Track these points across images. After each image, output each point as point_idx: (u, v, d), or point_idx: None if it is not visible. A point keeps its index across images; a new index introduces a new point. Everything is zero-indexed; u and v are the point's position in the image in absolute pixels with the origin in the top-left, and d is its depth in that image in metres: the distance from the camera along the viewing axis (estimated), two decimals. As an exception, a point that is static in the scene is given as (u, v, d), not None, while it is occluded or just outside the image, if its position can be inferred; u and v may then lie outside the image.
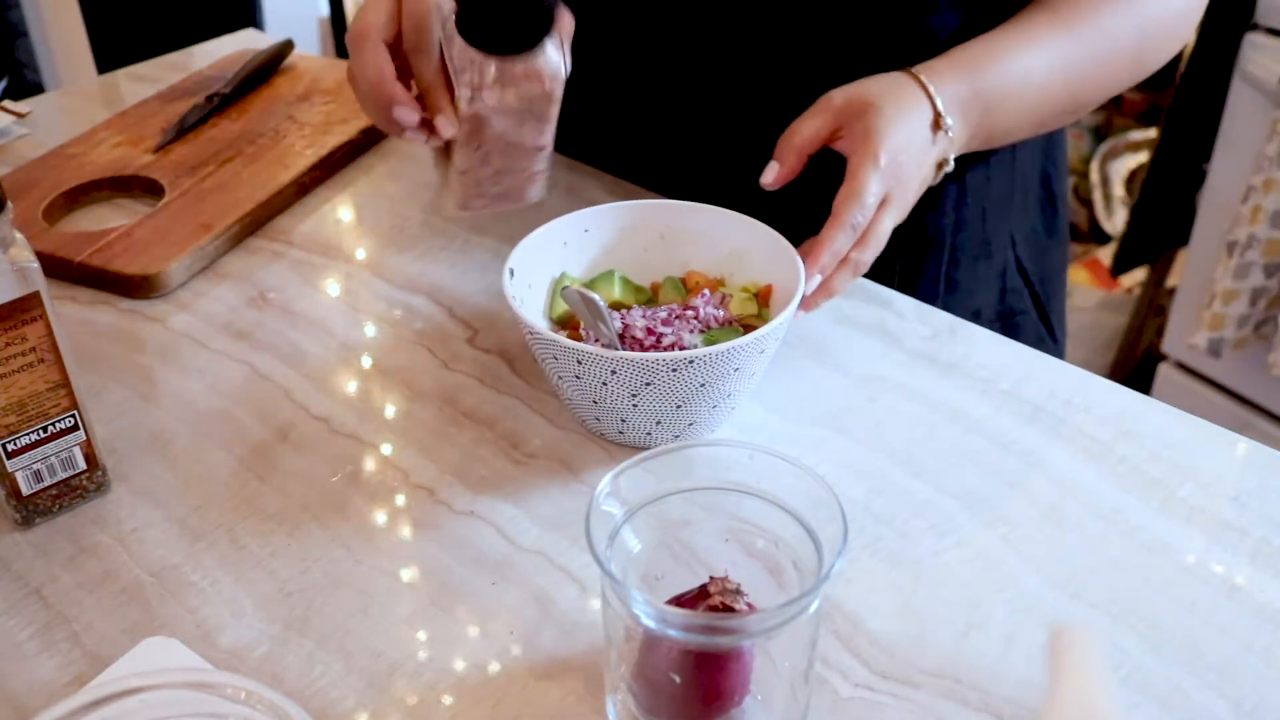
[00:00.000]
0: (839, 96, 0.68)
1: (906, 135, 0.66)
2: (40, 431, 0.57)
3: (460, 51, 0.61)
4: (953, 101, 0.68)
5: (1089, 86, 0.74)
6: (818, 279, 0.65)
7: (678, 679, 0.46)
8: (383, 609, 0.55)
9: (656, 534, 0.49)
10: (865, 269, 0.67)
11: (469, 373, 0.70)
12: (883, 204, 0.66)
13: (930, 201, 0.83)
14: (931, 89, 0.68)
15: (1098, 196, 2.31)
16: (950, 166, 0.70)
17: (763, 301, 0.67)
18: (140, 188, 0.89)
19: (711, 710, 0.47)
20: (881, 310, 0.75)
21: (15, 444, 0.57)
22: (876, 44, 0.75)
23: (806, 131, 0.68)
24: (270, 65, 1.04)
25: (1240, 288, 1.58)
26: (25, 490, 0.58)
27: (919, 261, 0.83)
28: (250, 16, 2.05)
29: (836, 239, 0.65)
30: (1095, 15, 0.72)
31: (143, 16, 1.97)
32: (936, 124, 0.68)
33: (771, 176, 0.69)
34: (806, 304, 0.65)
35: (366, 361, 0.72)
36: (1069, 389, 0.68)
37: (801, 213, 0.71)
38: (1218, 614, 0.54)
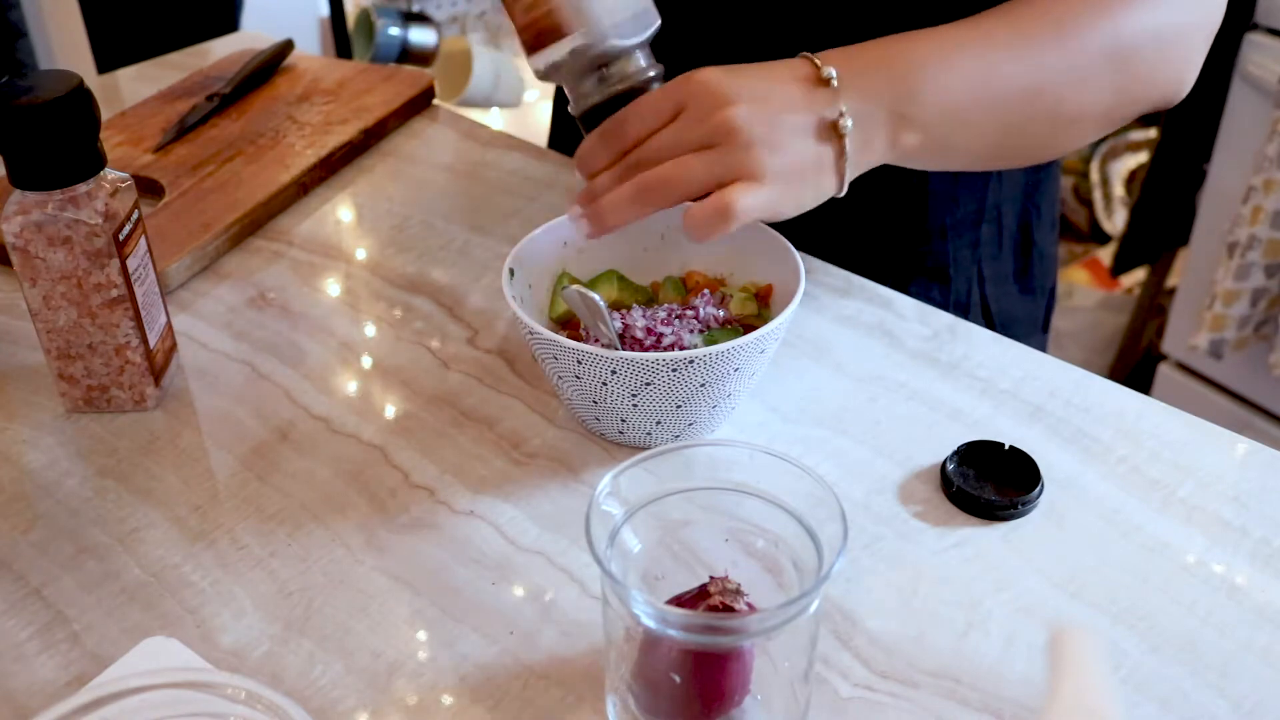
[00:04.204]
0: None
1: (744, 76, 0.60)
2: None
3: None
4: (838, 58, 0.61)
5: (1051, 79, 0.64)
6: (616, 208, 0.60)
7: (678, 679, 0.46)
8: (383, 609, 0.55)
9: (656, 534, 0.49)
10: (652, 196, 0.59)
11: (469, 373, 0.70)
12: (707, 150, 0.58)
13: (894, 201, 0.82)
14: (810, 55, 0.61)
15: (1098, 196, 2.31)
16: (847, 126, 0.59)
17: (763, 301, 0.67)
18: (140, 188, 0.89)
19: (711, 710, 0.47)
20: (881, 310, 0.75)
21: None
22: None
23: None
24: (270, 65, 1.05)
25: (1241, 288, 1.58)
26: None
27: (874, 259, 0.82)
28: (233, 19, 2.05)
29: (586, 147, 0.62)
30: (1054, 19, 0.64)
31: (143, 16, 1.97)
32: (815, 78, 0.60)
33: None
34: (590, 227, 0.61)
35: (366, 361, 0.72)
36: (1069, 389, 0.68)
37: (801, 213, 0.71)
38: (1218, 614, 0.54)
